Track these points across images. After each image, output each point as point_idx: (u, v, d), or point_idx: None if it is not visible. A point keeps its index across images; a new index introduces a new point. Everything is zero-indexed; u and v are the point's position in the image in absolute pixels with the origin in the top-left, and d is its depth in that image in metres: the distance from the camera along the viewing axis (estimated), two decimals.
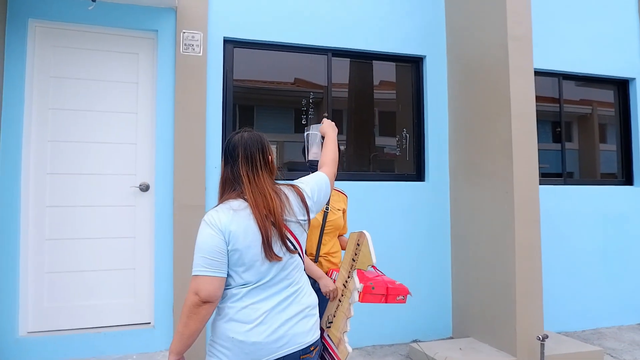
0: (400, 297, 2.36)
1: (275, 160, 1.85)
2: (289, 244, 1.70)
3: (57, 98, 3.68)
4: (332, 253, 2.66)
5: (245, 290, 1.66)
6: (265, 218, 1.64)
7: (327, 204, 2.61)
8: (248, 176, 1.71)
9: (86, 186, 3.71)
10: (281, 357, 1.65)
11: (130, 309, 3.75)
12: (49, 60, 3.68)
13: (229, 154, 1.76)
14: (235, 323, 1.65)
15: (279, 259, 1.67)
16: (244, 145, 1.75)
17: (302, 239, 1.79)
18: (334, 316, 2.37)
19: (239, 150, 1.74)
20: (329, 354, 2.28)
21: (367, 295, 2.28)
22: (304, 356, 1.70)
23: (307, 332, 1.71)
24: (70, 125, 3.70)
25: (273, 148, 4.44)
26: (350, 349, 2.23)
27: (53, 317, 3.57)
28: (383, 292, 2.31)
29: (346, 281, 2.35)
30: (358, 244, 2.29)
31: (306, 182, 1.88)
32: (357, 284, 2.28)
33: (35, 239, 3.57)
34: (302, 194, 1.79)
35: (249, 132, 1.81)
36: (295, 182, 1.87)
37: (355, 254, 2.30)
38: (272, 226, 1.65)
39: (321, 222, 2.60)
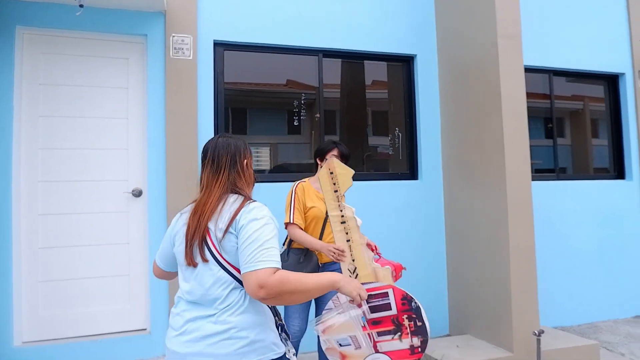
0: (401, 272, 2.48)
1: (250, 166, 1.81)
2: (205, 251, 1.61)
3: (47, 105, 3.66)
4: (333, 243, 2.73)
5: (178, 297, 1.72)
6: (196, 221, 1.63)
7: None
8: (208, 180, 1.72)
9: (78, 193, 3.68)
10: None
11: (125, 316, 3.73)
12: (37, 68, 3.65)
13: (202, 158, 1.79)
14: (169, 328, 1.70)
15: (194, 264, 1.62)
16: (212, 149, 1.75)
17: (228, 253, 1.60)
18: (354, 259, 2.33)
19: (208, 155, 1.76)
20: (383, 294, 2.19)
21: (398, 274, 2.38)
22: None
23: (228, 355, 1.52)
24: (61, 132, 3.68)
25: (265, 150, 4.43)
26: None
27: (48, 326, 3.55)
28: (395, 273, 2.40)
29: (341, 211, 2.30)
30: (331, 172, 2.27)
31: (255, 221, 1.58)
32: (349, 210, 2.32)
33: (28, 248, 3.55)
34: (237, 215, 1.60)
35: (224, 137, 1.80)
36: (256, 206, 1.63)
37: (334, 183, 2.29)
38: (196, 230, 1.62)
39: (324, 212, 2.73)
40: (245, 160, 1.78)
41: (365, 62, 4.60)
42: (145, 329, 3.74)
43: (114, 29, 3.76)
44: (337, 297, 2.14)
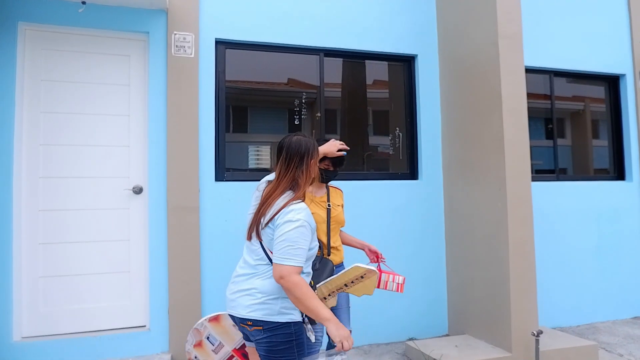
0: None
1: (315, 165, 2.15)
2: (254, 233, 2.07)
3: (49, 101, 3.67)
4: (338, 246, 2.79)
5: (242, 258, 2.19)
6: (259, 209, 2.07)
7: (328, 200, 2.77)
8: (280, 173, 2.11)
9: (79, 189, 3.69)
10: (232, 315, 2.10)
11: (125, 312, 3.74)
12: (39, 64, 3.66)
13: (277, 151, 2.16)
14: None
15: (248, 238, 2.11)
16: (287, 147, 2.12)
17: (265, 239, 2.04)
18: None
19: (283, 152, 2.12)
20: None
21: (404, 285, 2.67)
22: (242, 325, 2.06)
23: (244, 307, 2.01)
24: (62, 129, 3.69)
25: (266, 148, 4.46)
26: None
27: (47, 322, 3.56)
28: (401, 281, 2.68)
29: (325, 298, 2.39)
30: (362, 277, 2.33)
31: (290, 222, 1.96)
32: (333, 300, 2.47)
33: (29, 243, 3.56)
34: (277, 214, 1.99)
35: (298, 136, 2.15)
36: (295, 208, 1.99)
37: (352, 282, 2.35)
38: (257, 215, 2.06)
39: (326, 218, 2.71)
40: (312, 160, 2.13)
41: (367, 61, 4.61)
42: (144, 326, 3.75)
43: (116, 26, 3.77)
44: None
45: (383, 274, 2.66)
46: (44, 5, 3.59)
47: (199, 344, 2.32)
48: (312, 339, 2.07)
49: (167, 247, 3.72)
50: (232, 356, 2.40)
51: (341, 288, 2.38)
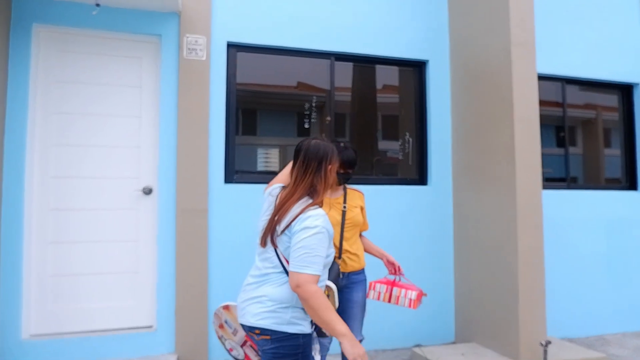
0: (423, 295, 2.64)
1: (333, 171, 2.06)
2: (268, 239, 1.96)
3: (61, 102, 3.70)
4: (352, 251, 2.73)
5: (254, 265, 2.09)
6: (275, 215, 1.95)
7: (345, 202, 2.75)
8: (296, 177, 2.01)
9: (89, 189, 3.72)
10: (242, 324, 2.00)
11: (132, 313, 3.76)
12: (53, 65, 3.70)
13: (294, 154, 2.07)
14: None
15: (263, 245, 1.99)
16: (305, 151, 2.03)
17: (281, 246, 1.93)
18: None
19: (300, 155, 2.03)
20: None
21: (418, 301, 2.55)
22: (250, 333, 1.97)
23: (252, 315, 1.93)
24: (74, 129, 3.72)
25: (275, 151, 4.46)
26: None
27: (56, 320, 3.59)
28: (420, 295, 2.59)
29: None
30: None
31: (308, 229, 1.86)
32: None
33: (39, 242, 3.59)
34: (293, 221, 1.90)
35: (317, 140, 2.07)
36: (312, 214, 1.90)
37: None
38: (272, 222, 1.95)
39: (340, 220, 2.68)
40: (330, 166, 2.04)
41: (377, 66, 4.60)
42: (151, 326, 3.76)
43: (128, 29, 3.80)
44: None
45: (395, 288, 2.62)
46: (58, 7, 3.64)
47: (221, 326, 2.33)
48: (317, 359, 2.00)
49: (175, 248, 3.73)
50: (246, 341, 2.40)
51: None
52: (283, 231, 1.91)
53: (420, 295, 2.65)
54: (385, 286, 2.71)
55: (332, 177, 2.07)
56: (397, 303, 2.58)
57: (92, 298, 3.68)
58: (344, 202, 2.74)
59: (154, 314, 3.76)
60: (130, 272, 3.77)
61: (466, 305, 4.26)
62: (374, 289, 2.76)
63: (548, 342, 3.49)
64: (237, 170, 4.08)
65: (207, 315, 3.74)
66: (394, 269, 2.79)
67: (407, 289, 2.60)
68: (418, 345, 4.16)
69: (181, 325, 3.68)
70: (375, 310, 3.96)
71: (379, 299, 2.73)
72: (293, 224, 1.89)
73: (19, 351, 3.43)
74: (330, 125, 4.33)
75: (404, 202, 4.35)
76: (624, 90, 5.25)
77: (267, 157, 4.32)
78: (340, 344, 1.79)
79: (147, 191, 3.81)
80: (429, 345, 4.20)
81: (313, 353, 1.98)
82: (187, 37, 3.84)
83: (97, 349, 3.55)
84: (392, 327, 4.20)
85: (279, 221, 1.93)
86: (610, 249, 4.84)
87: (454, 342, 4.35)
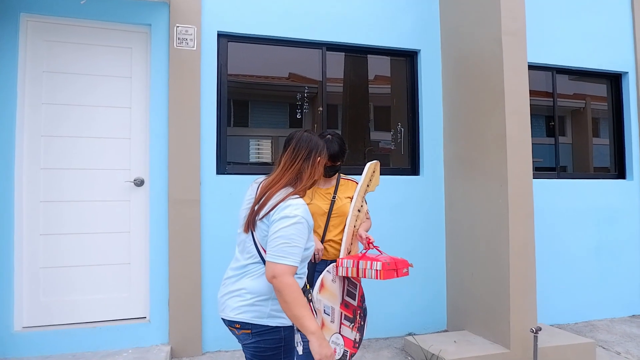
0: (405, 269, 2.42)
1: (321, 164, 2.05)
2: (248, 226, 1.92)
3: (50, 93, 3.66)
4: (337, 240, 2.73)
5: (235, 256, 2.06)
6: (258, 200, 1.91)
7: (335, 193, 2.77)
8: (285, 163, 1.98)
9: (80, 181, 3.70)
10: (223, 318, 1.96)
11: (125, 304, 3.75)
12: (41, 55, 3.65)
13: (285, 142, 2.06)
14: None
15: (246, 231, 1.93)
16: (297, 140, 2.02)
17: (259, 235, 1.88)
18: (352, 243, 2.67)
19: (292, 143, 2.02)
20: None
21: (385, 272, 2.28)
22: (231, 328, 1.93)
23: (232, 309, 1.89)
24: (63, 120, 3.68)
25: (267, 142, 4.44)
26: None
27: (48, 312, 3.58)
28: (394, 267, 2.33)
29: (362, 206, 2.71)
30: (374, 171, 2.74)
31: (287, 218, 1.80)
32: (366, 205, 2.75)
33: (30, 234, 3.57)
34: (273, 209, 1.84)
35: (309, 132, 2.08)
36: (292, 204, 1.84)
37: (370, 180, 2.71)
38: (256, 206, 1.91)
39: (325, 210, 2.70)
40: (319, 158, 2.03)
41: (369, 56, 4.60)
42: (144, 317, 3.76)
43: (118, 18, 3.76)
44: (333, 267, 2.40)
45: (361, 261, 2.34)
46: None
47: (322, 324, 2.23)
48: (300, 350, 1.93)
49: (167, 239, 3.73)
50: (342, 313, 2.30)
51: (366, 190, 2.71)
52: (261, 218, 1.86)
53: (405, 264, 2.40)
54: (352, 261, 2.39)
55: (320, 171, 2.05)
56: (364, 276, 2.30)
57: (85, 290, 3.67)
58: (335, 192, 2.77)
59: (147, 305, 3.76)
60: (123, 264, 3.76)
61: (458, 294, 4.30)
62: (341, 265, 2.43)
63: (538, 329, 3.53)
64: (229, 161, 4.07)
65: (200, 305, 3.74)
66: (367, 242, 2.58)
67: (373, 260, 2.31)
68: (411, 334, 4.20)
69: (175, 316, 3.68)
70: (368, 300, 3.96)
71: (347, 274, 2.41)
72: (272, 212, 1.83)
73: (12, 343, 3.41)
74: (322, 115, 4.33)
75: (396, 192, 4.37)
76: (613, 79, 5.30)
77: (259, 148, 4.32)
78: (308, 342, 1.73)
79: (139, 182, 3.79)
80: (421, 333, 4.24)
81: (295, 344, 1.94)
82: (177, 26, 3.81)
83: (91, 340, 3.54)
84: (385, 317, 4.23)
85: (263, 205, 1.87)
86: (599, 236, 4.91)
87: (446, 331, 4.40)
